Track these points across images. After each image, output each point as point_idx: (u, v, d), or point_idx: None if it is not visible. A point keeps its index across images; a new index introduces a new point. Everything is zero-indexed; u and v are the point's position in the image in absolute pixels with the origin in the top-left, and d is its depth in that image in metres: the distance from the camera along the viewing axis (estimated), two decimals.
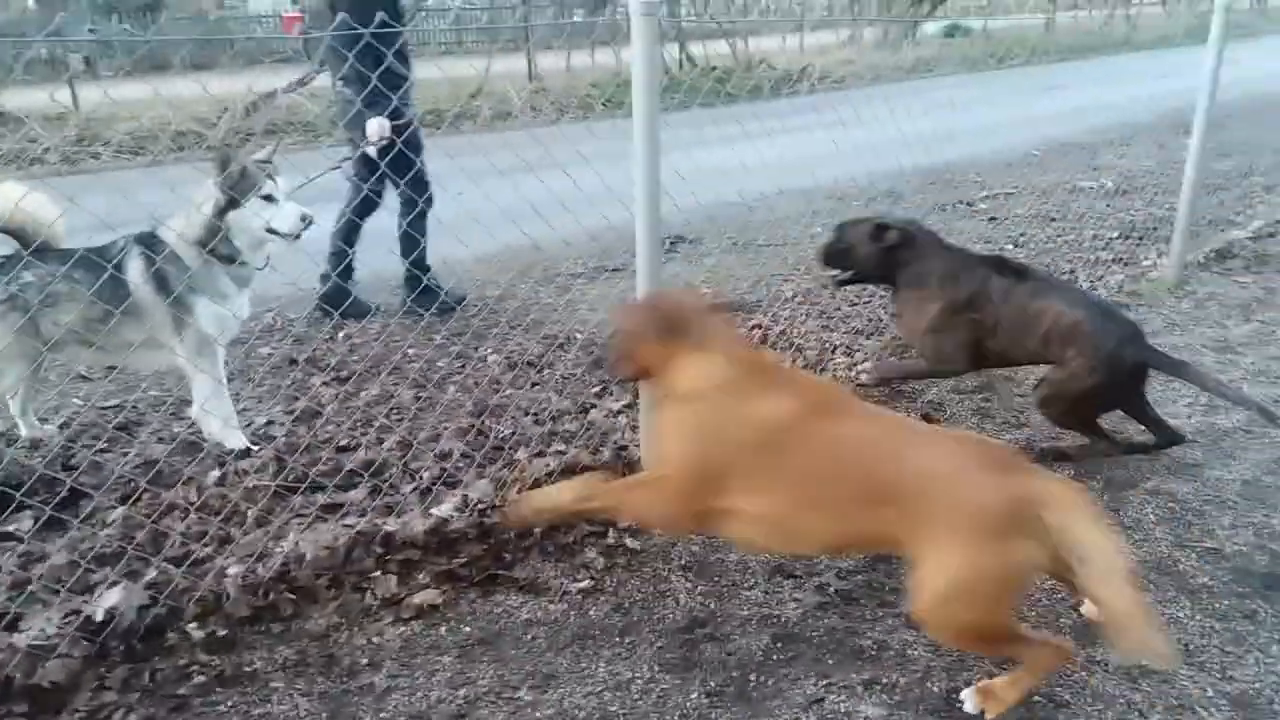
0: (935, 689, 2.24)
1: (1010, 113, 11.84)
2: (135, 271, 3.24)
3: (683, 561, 2.79)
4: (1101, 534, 1.88)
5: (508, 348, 4.46)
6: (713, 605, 2.59)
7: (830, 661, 2.35)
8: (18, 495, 2.63)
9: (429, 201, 4.82)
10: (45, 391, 3.90)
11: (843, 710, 2.18)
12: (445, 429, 3.54)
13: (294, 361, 4.34)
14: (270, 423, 3.68)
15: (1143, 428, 3.38)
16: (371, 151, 4.62)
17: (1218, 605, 2.55)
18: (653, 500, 2.30)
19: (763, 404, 2.15)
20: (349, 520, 2.85)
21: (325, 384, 4.04)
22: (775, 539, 2.24)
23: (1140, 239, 6.07)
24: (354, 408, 3.77)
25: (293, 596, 2.57)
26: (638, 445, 3.31)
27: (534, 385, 4.07)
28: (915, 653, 2.37)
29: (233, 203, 3.29)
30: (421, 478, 3.16)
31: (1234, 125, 9.87)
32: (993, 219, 7.05)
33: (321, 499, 2.96)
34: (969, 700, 2.16)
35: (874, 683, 2.27)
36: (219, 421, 3.40)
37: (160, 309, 3.27)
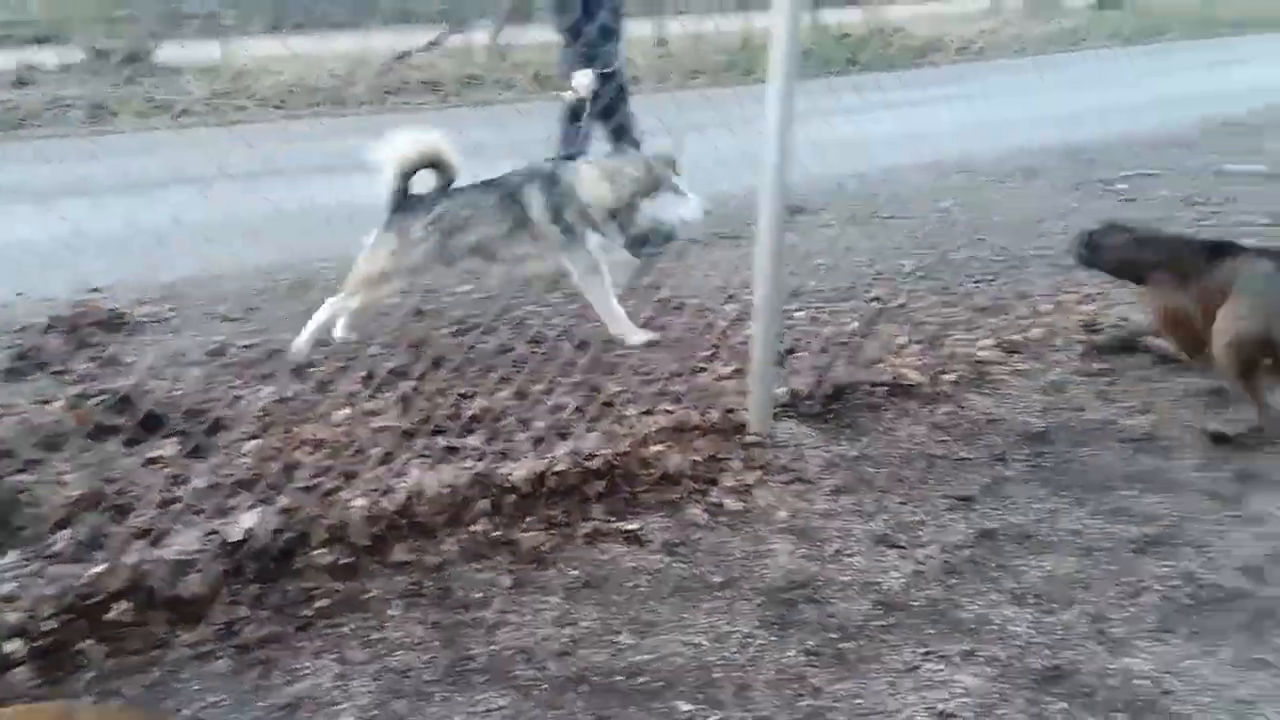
0: (1035, 664, 2.22)
1: (1161, 90, 11.13)
2: (536, 205, 4.08)
3: (785, 524, 2.82)
4: None
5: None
6: (814, 569, 2.61)
7: (930, 631, 2.35)
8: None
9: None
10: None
11: (939, 679, 2.18)
12: (559, 383, 3.65)
13: (420, 312, 4.52)
14: (395, 369, 3.85)
15: None
16: (572, 98, 4.96)
17: None
18: None
19: None
20: (467, 463, 2.99)
21: (450, 334, 4.21)
22: None
23: None
24: (475, 358, 3.91)
25: (412, 530, 2.72)
26: (745, 410, 3.34)
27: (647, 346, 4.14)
28: (1017, 629, 2.35)
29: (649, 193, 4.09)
30: (536, 427, 3.28)
31: None
32: (1130, 200, 6.72)
33: (442, 441, 3.11)
34: None
35: (972, 654, 2.26)
36: (619, 323, 4.19)
37: (554, 233, 4.12)
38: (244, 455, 3.06)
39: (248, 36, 12.12)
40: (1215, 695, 2.12)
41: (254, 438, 3.19)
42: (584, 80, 4.92)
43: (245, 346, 4.14)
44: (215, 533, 2.59)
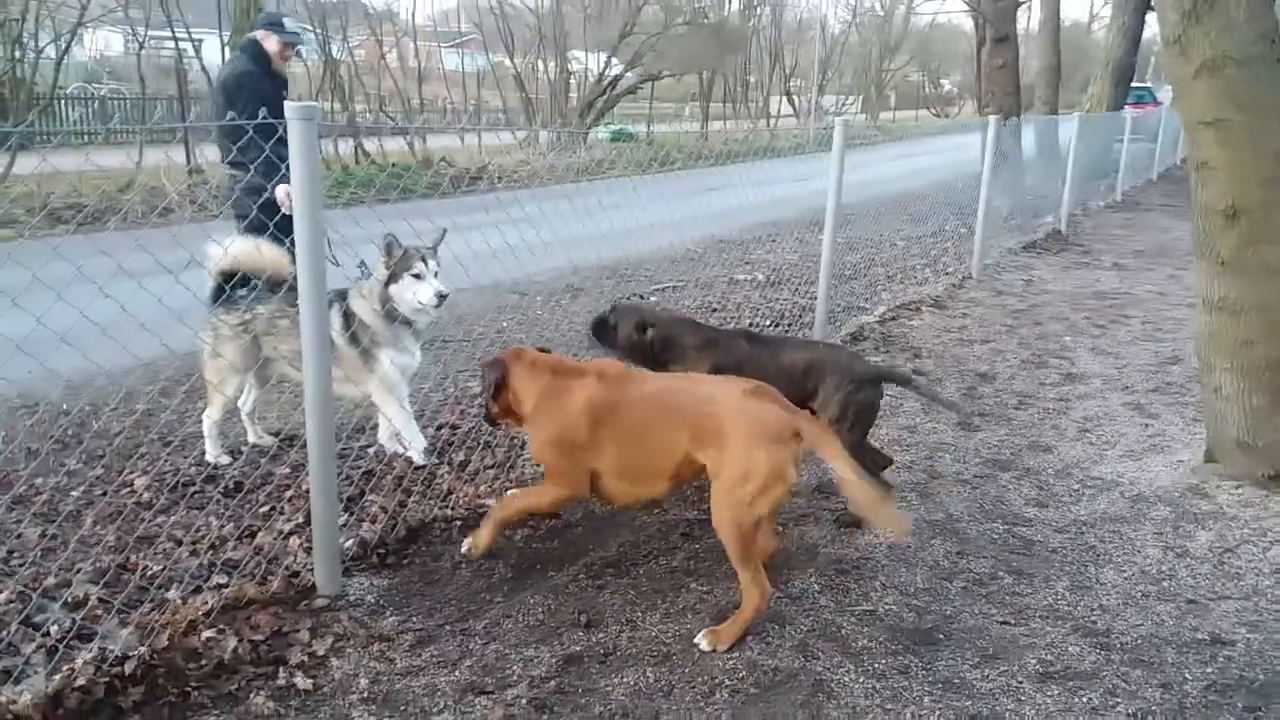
0: None
1: (673, 212, 12.60)
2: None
3: (366, 694, 2.58)
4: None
5: (159, 467, 3.99)
6: None
7: None
8: None
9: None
10: None
11: None
12: (79, 571, 3.07)
13: None
14: None
15: None
16: (286, 209, 4.53)
17: (876, 665, 2.77)
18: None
19: None
20: None
21: None
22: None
23: (789, 326, 6.72)
24: None
25: None
26: (311, 570, 3.06)
27: (191, 509, 3.66)
28: None
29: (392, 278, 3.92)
30: (49, 633, 2.70)
31: (860, 222, 11.31)
32: (664, 310, 7.47)
33: None
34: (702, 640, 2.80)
35: None
36: (408, 441, 4.12)
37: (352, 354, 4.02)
38: None
39: None
40: None
41: None
42: (287, 194, 4.64)
43: None
44: None
